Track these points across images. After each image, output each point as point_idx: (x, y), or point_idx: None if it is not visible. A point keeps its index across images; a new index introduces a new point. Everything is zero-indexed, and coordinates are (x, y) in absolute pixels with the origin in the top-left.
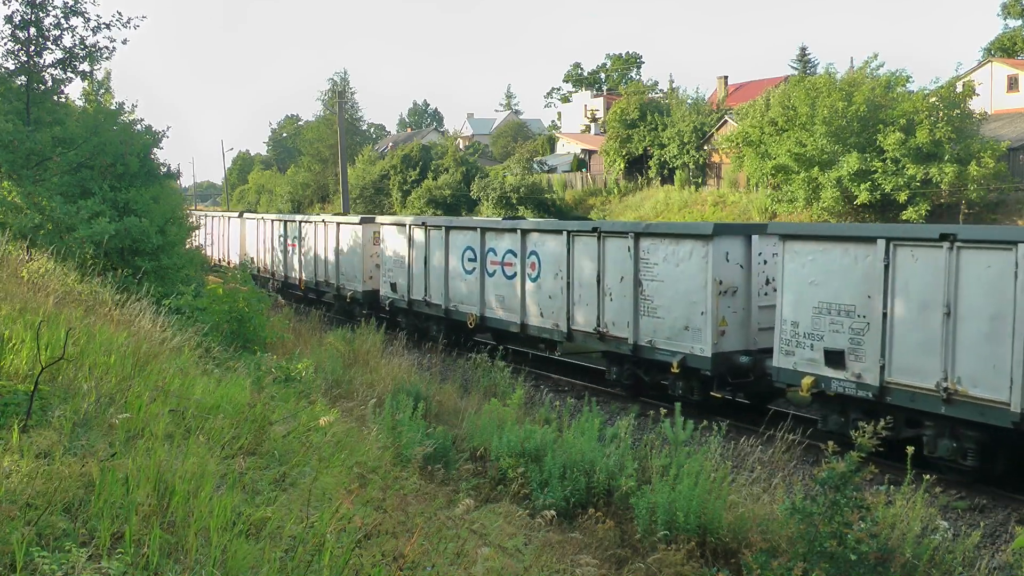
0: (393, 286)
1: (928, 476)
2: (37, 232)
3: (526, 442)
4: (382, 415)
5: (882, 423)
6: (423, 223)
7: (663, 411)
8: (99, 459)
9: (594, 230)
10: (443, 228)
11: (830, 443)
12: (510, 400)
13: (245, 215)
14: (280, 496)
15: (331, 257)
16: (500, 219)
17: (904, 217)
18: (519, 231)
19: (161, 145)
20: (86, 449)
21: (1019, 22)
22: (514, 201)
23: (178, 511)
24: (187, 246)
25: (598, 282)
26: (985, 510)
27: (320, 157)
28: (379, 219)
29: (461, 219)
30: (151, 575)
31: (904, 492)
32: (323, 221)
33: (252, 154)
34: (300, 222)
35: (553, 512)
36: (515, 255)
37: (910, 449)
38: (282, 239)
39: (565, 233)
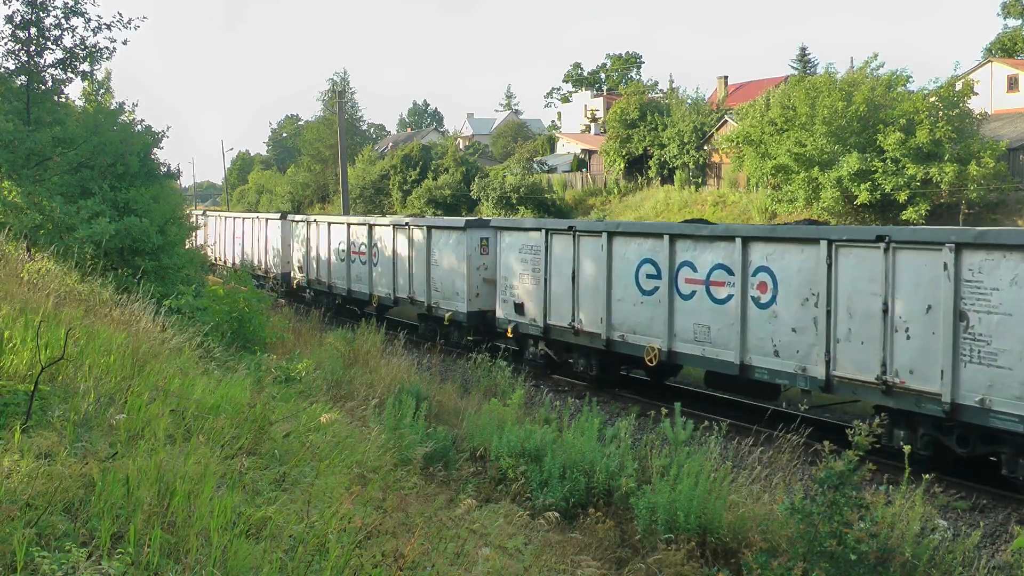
0: (519, 307)
1: (928, 476)
2: (37, 232)
3: (526, 442)
4: (383, 415)
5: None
6: (570, 228)
7: (663, 411)
8: (99, 459)
9: (880, 239)
10: (603, 234)
11: (827, 443)
12: (510, 400)
13: (289, 217)
14: (280, 496)
15: (418, 269)
16: (699, 223)
17: (904, 217)
18: (738, 239)
19: (161, 145)
20: (86, 449)
21: (1019, 22)
22: (514, 201)
23: (179, 511)
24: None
25: (885, 312)
26: (985, 510)
27: (320, 157)
28: (494, 221)
29: (632, 223)
30: (152, 575)
31: (903, 492)
32: (406, 224)
33: (252, 154)
34: (371, 226)
35: (556, 514)
36: (730, 272)
37: (907, 448)
38: (343, 246)
39: (824, 244)
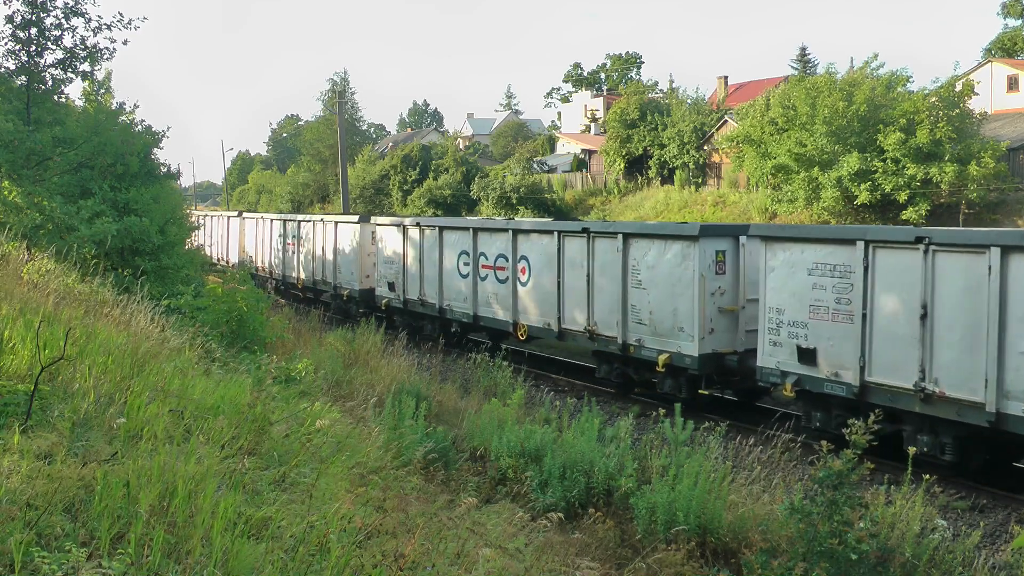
0: (807, 354)
1: (928, 476)
2: (37, 232)
3: (526, 442)
4: (383, 415)
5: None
6: (920, 239)
7: (662, 411)
8: (99, 460)
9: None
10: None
11: (824, 442)
12: (510, 400)
13: (374, 220)
14: (281, 496)
15: (607, 291)
16: None
17: (904, 217)
18: None
19: (161, 145)
20: (86, 449)
21: (1019, 22)
22: (514, 201)
23: (179, 512)
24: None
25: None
26: (985, 510)
27: (320, 157)
28: (753, 229)
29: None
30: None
31: (904, 492)
32: (584, 231)
33: (252, 154)
34: (516, 231)
35: (560, 515)
36: None
37: (911, 450)
38: (465, 258)
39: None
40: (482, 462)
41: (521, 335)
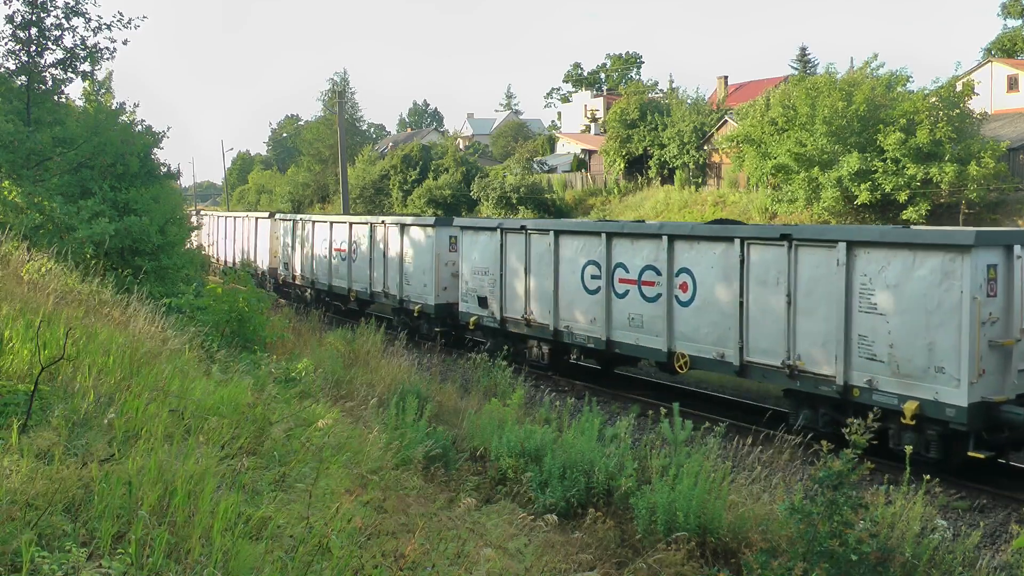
0: None
1: (928, 476)
2: (37, 232)
3: (526, 442)
4: (383, 415)
5: None
6: None
7: (663, 411)
8: (99, 460)
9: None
10: None
11: (824, 442)
12: (510, 400)
13: (459, 223)
14: (281, 497)
15: (827, 317)
16: None
17: (904, 217)
18: None
19: (161, 145)
20: (86, 449)
21: (1019, 22)
22: (514, 201)
23: (179, 512)
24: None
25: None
26: (985, 510)
27: (320, 157)
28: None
29: None
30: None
31: (904, 492)
32: (782, 237)
33: (252, 154)
34: (669, 237)
35: (556, 516)
36: None
37: (908, 449)
38: (599, 268)
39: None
40: (482, 462)
41: (680, 366)
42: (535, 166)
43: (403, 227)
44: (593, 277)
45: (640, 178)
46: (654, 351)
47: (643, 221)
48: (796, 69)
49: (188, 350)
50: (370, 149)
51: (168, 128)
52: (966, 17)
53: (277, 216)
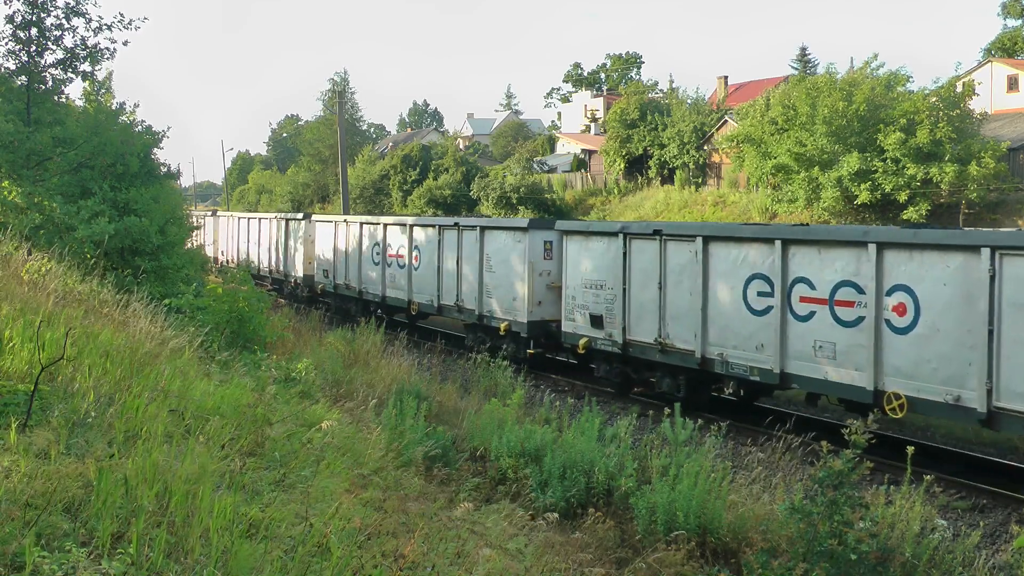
0: None
1: (928, 476)
2: (37, 232)
3: (526, 442)
4: (383, 416)
5: None
6: None
7: (665, 411)
8: (98, 459)
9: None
10: None
11: (824, 442)
12: (510, 400)
13: (560, 226)
14: (281, 497)
15: None
16: None
17: (905, 217)
18: None
19: (161, 145)
20: (85, 449)
21: (1019, 22)
22: (514, 201)
23: (178, 511)
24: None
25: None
26: (985, 510)
27: (320, 157)
28: None
29: None
30: (152, 575)
31: (904, 492)
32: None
33: (252, 154)
34: (879, 245)
35: (556, 515)
36: None
37: (910, 449)
38: (770, 285)
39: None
40: (482, 462)
41: (892, 409)
42: (535, 166)
43: (484, 230)
44: (760, 294)
45: (640, 178)
46: (853, 388)
47: (837, 225)
48: (796, 69)
49: (188, 350)
50: (370, 149)
51: (168, 128)
52: (966, 17)
53: (314, 218)
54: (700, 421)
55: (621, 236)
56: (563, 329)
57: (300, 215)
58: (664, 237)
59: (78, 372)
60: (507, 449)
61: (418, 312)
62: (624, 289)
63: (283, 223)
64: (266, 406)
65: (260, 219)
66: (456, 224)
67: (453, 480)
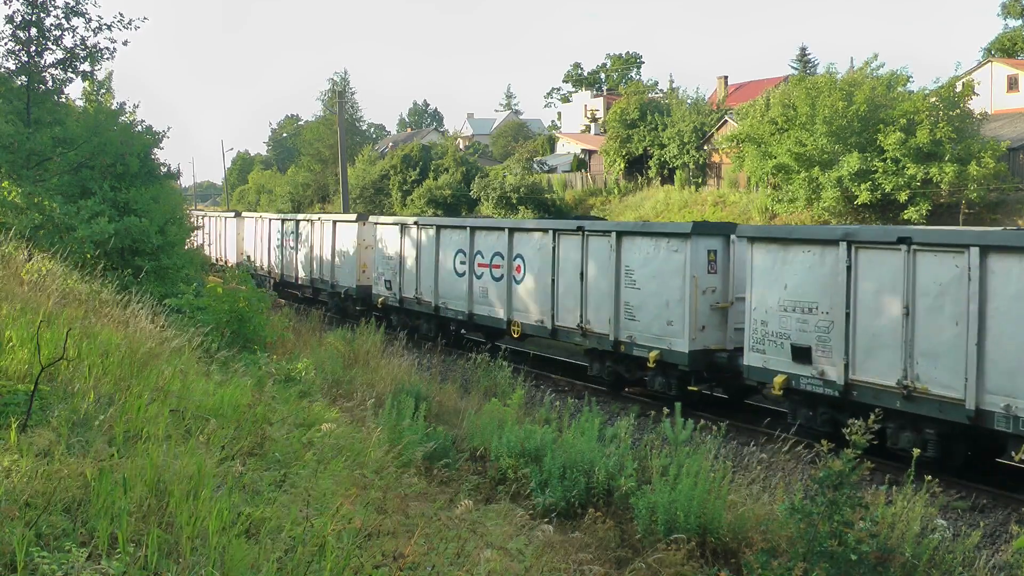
0: None
1: (929, 477)
2: (37, 232)
3: (526, 442)
4: (383, 416)
5: None
6: None
7: (664, 411)
8: (98, 459)
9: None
10: None
11: (824, 441)
12: (510, 400)
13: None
14: (280, 497)
15: None
16: None
17: (905, 217)
18: None
19: (161, 145)
20: (85, 449)
21: (1019, 22)
22: (514, 201)
23: (177, 511)
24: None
25: None
26: (985, 510)
27: (320, 157)
28: None
29: None
30: (150, 575)
31: (904, 492)
32: None
33: (252, 154)
34: None
35: (556, 521)
36: None
37: (916, 451)
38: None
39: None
40: (482, 462)
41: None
42: (535, 166)
43: (621, 236)
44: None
45: (640, 178)
46: None
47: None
48: (796, 69)
49: (188, 350)
50: (370, 149)
51: (168, 128)
52: (966, 17)
53: (371, 220)
54: (702, 422)
55: (843, 245)
56: (746, 362)
57: (353, 216)
58: (914, 247)
59: (78, 372)
60: (507, 449)
61: (521, 334)
62: (847, 314)
63: (328, 226)
64: (266, 406)
65: (297, 221)
66: (580, 229)
67: (453, 480)
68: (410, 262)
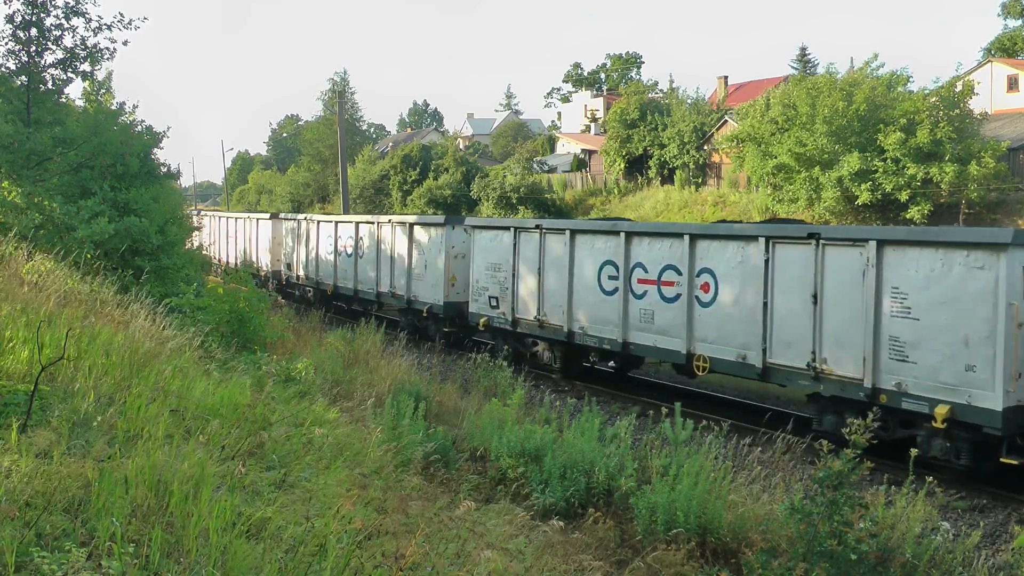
0: None
1: (930, 477)
2: (37, 232)
3: (526, 442)
4: (383, 416)
5: None
6: None
7: (664, 411)
8: (98, 459)
9: None
10: None
11: (824, 442)
12: (510, 400)
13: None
14: (281, 497)
15: None
16: None
17: (906, 216)
18: None
19: (161, 145)
20: (85, 449)
21: (1019, 22)
22: (514, 201)
23: (177, 511)
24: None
25: None
26: (985, 510)
27: (320, 157)
28: None
29: None
30: (151, 575)
31: (904, 492)
32: None
33: (252, 154)
34: None
35: (559, 523)
36: None
37: (914, 451)
38: None
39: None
40: (482, 462)
41: None
42: (535, 166)
43: (882, 245)
44: None
45: (640, 178)
46: None
47: None
48: (796, 69)
49: (188, 350)
50: (370, 149)
51: (168, 128)
52: (966, 17)
53: (468, 222)
54: (703, 422)
55: None
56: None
57: (440, 219)
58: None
59: (78, 372)
60: (507, 449)
61: (708, 369)
62: None
63: (402, 229)
64: (265, 406)
65: (357, 224)
66: (815, 236)
67: (453, 480)
68: (530, 276)
